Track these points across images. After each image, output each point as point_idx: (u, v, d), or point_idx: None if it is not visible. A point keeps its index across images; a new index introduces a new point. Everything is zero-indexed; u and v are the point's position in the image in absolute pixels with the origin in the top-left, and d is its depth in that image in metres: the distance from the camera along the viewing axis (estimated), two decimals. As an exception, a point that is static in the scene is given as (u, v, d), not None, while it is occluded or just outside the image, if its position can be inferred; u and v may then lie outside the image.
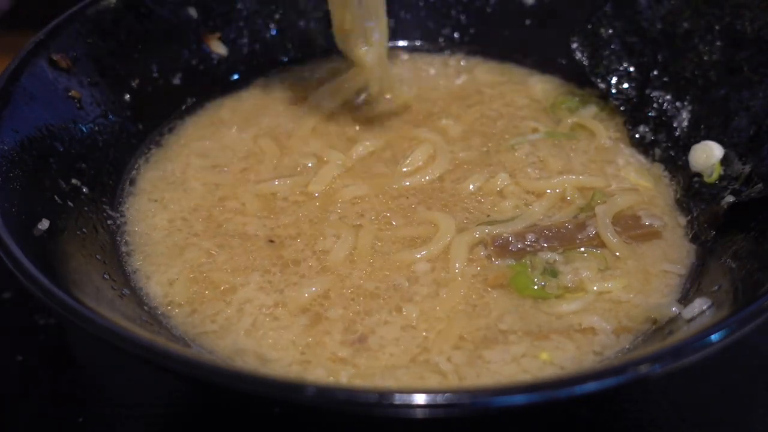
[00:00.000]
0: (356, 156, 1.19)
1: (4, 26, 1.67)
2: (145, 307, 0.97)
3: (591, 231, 1.04)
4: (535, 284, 0.98)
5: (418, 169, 1.17)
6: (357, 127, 1.27)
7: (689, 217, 1.10)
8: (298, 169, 1.18)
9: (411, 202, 1.12)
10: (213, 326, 0.95)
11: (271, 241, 1.05)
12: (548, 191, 1.13)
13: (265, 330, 0.94)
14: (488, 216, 1.09)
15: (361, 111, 1.30)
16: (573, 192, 1.12)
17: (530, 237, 1.03)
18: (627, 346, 0.93)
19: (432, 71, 1.42)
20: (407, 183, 1.14)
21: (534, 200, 1.11)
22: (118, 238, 1.07)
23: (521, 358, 0.90)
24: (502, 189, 1.13)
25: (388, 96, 1.31)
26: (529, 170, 1.17)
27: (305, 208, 1.11)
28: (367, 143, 1.21)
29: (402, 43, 1.48)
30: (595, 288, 0.98)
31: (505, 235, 1.04)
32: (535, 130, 1.26)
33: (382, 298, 0.97)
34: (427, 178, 1.15)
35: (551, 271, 1.00)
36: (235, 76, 1.37)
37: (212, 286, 1.00)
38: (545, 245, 1.03)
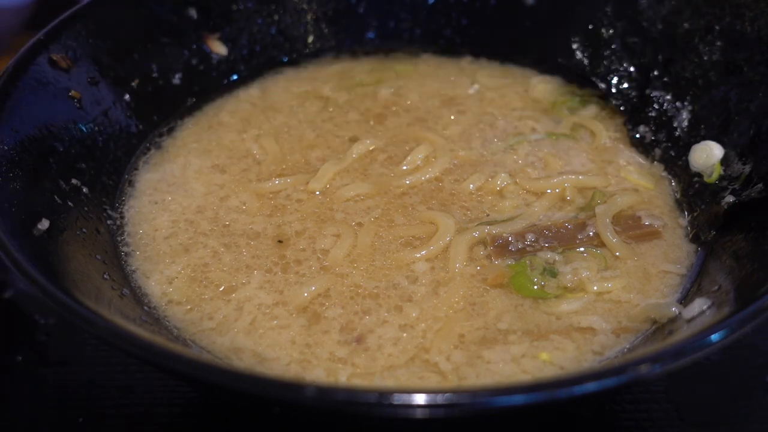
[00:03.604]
0: (356, 155, 1.19)
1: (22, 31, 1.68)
2: (145, 307, 0.97)
3: (591, 231, 1.04)
4: (534, 284, 0.98)
5: (418, 168, 1.17)
6: (357, 126, 1.27)
7: (689, 217, 1.10)
8: (298, 168, 1.18)
9: (412, 201, 1.11)
10: (210, 324, 0.95)
11: (280, 241, 1.05)
12: (548, 191, 1.13)
13: (264, 329, 0.94)
14: (488, 215, 1.09)
15: (361, 110, 1.30)
16: (573, 192, 1.12)
17: (530, 237, 1.03)
18: (627, 346, 0.92)
19: (432, 72, 1.41)
20: (408, 182, 1.14)
21: (534, 200, 1.11)
22: (118, 239, 1.07)
23: (521, 358, 0.90)
24: (502, 189, 1.13)
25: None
26: (529, 170, 1.17)
27: (308, 207, 1.11)
28: (368, 142, 1.21)
29: (402, 44, 1.47)
30: (594, 288, 0.98)
31: (504, 234, 1.04)
32: (534, 130, 1.26)
33: (381, 297, 0.97)
34: (428, 177, 1.15)
35: (551, 271, 1.00)
36: (235, 77, 1.37)
37: (212, 285, 1.00)
38: (545, 245, 1.03)
